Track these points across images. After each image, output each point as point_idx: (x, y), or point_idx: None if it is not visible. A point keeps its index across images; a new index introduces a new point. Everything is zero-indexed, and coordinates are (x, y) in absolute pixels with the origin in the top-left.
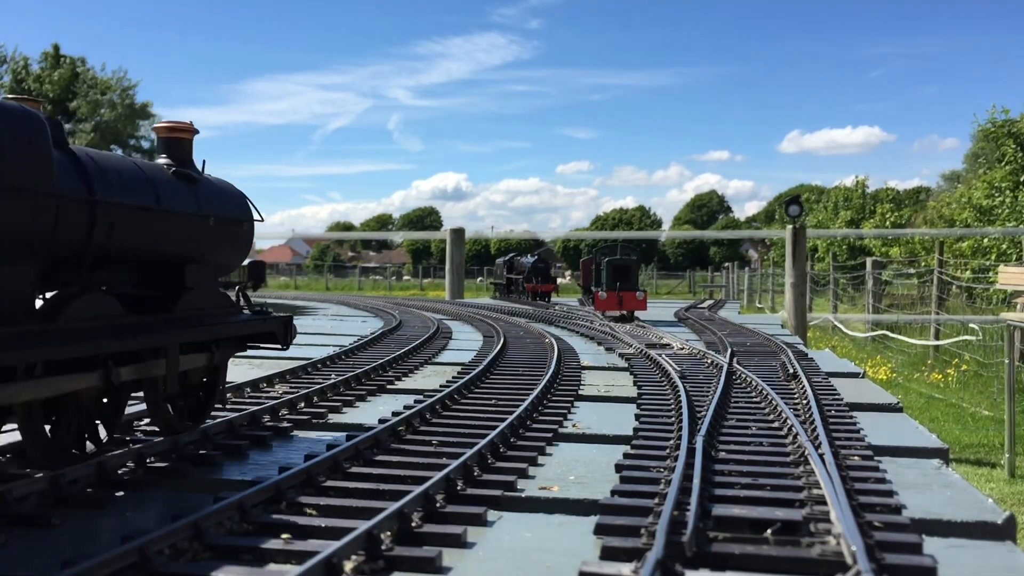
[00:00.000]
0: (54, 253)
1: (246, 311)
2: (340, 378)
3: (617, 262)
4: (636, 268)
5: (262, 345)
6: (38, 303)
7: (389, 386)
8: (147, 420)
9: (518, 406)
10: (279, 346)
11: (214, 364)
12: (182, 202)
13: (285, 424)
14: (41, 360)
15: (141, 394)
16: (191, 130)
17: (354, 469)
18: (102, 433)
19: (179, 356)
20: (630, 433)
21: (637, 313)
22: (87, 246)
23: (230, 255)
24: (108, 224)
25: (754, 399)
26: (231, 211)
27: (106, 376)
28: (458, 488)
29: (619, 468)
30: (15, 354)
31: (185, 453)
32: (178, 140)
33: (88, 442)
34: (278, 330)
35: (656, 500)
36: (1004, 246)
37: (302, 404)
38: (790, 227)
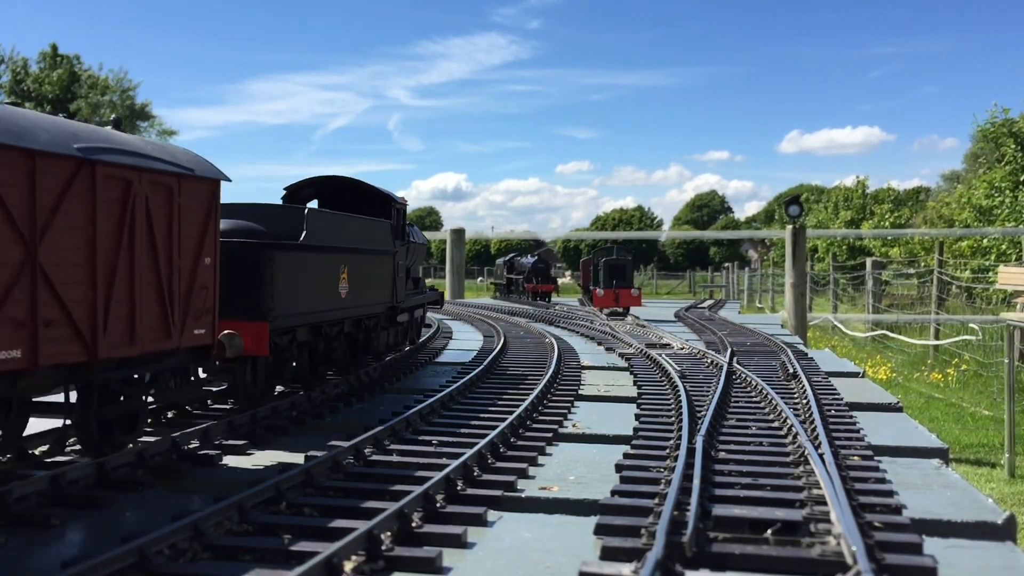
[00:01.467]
0: (405, 265)
1: (428, 289)
2: (341, 377)
3: (613, 262)
4: (631, 268)
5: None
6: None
7: (389, 385)
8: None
9: (518, 406)
10: (439, 305)
11: (422, 313)
12: (413, 238)
13: (284, 423)
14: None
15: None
16: (405, 203)
17: (354, 469)
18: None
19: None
20: (630, 433)
21: (635, 311)
22: (405, 261)
23: (420, 262)
24: (410, 252)
25: (754, 399)
26: (422, 240)
27: (412, 314)
28: (458, 488)
29: (619, 468)
30: (410, 306)
31: (185, 453)
32: (403, 208)
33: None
34: (440, 299)
35: (656, 500)
36: (1004, 246)
37: (304, 404)
38: (790, 227)
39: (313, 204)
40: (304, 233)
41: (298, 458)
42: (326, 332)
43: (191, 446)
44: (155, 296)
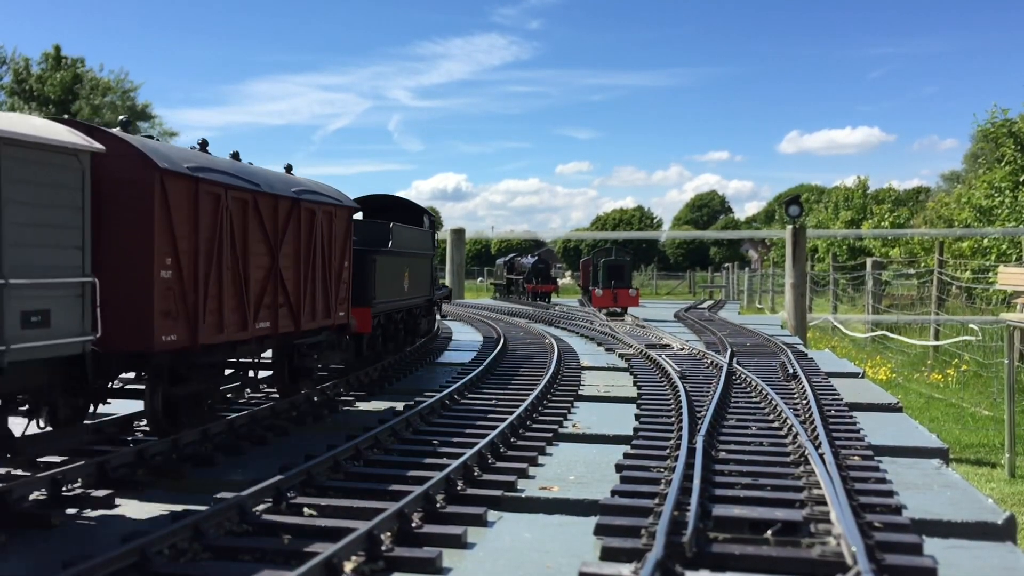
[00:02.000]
0: (434, 266)
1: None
2: (339, 379)
3: (612, 263)
4: (629, 268)
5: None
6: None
7: (389, 386)
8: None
9: (518, 406)
10: (449, 300)
11: (440, 305)
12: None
13: (285, 424)
14: (435, 297)
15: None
16: (434, 216)
17: (354, 469)
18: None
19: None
20: (630, 433)
21: (635, 311)
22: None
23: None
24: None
25: (754, 399)
26: (436, 245)
27: (431, 303)
28: (458, 488)
29: (619, 468)
30: (433, 300)
31: (185, 453)
32: (433, 219)
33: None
34: (450, 294)
35: (656, 500)
36: (1004, 246)
37: (304, 404)
38: (790, 227)
39: (358, 216)
40: (391, 242)
41: (298, 458)
42: (393, 317)
43: (190, 446)
44: (323, 288)
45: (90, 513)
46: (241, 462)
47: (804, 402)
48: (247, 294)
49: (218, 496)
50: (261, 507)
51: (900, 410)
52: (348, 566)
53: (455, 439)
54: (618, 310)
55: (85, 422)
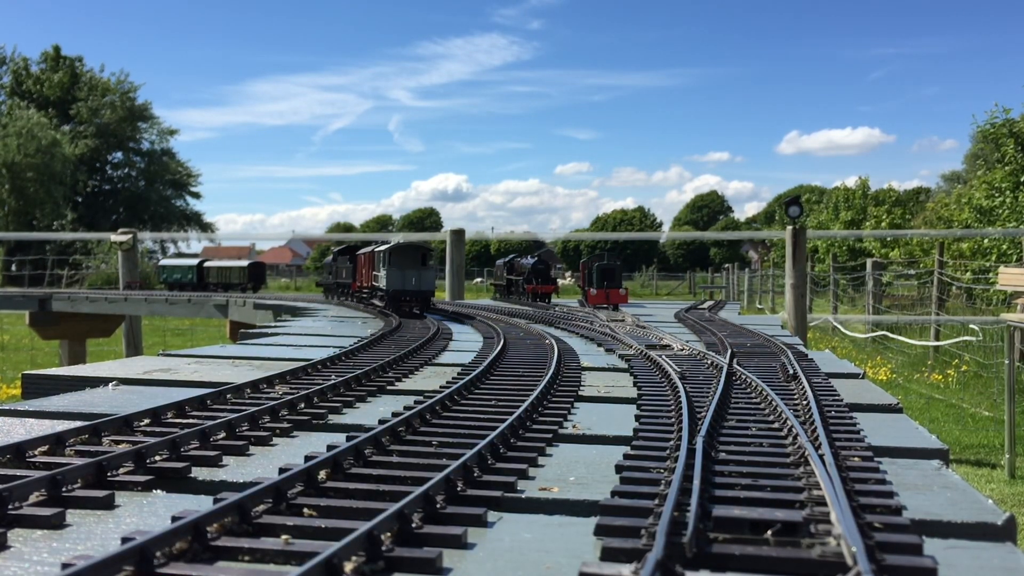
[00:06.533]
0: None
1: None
2: (340, 379)
3: (604, 265)
4: (620, 270)
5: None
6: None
7: (389, 387)
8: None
9: (518, 407)
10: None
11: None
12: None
13: (285, 424)
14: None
15: None
16: (434, 249)
17: (354, 470)
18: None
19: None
20: (630, 434)
21: (635, 311)
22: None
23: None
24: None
25: (754, 400)
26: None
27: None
28: (458, 489)
29: (619, 469)
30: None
31: (185, 454)
32: (434, 251)
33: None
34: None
35: (656, 501)
36: (1004, 247)
37: (302, 404)
38: (790, 228)
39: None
40: (431, 260)
41: (298, 459)
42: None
43: (190, 448)
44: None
45: (90, 513)
46: (242, 463)
47: (804, 403)
48: None
49: (219, 496)
50: (262, 506)
51: (900, 411)
52: (348, 566)
53: (455, 439)
54: (610, 307)
55: None
